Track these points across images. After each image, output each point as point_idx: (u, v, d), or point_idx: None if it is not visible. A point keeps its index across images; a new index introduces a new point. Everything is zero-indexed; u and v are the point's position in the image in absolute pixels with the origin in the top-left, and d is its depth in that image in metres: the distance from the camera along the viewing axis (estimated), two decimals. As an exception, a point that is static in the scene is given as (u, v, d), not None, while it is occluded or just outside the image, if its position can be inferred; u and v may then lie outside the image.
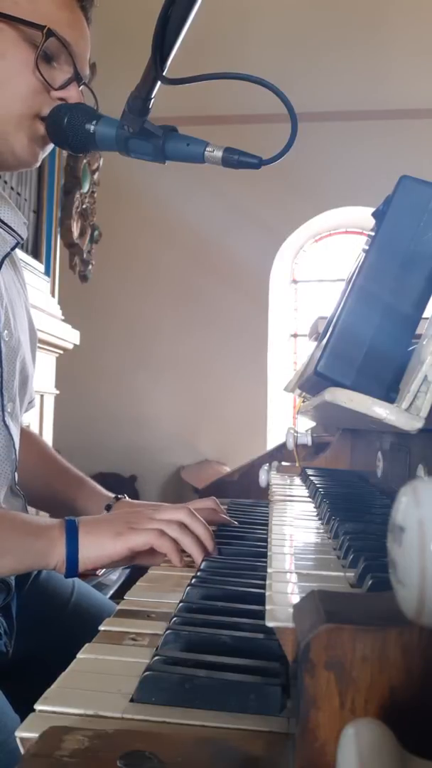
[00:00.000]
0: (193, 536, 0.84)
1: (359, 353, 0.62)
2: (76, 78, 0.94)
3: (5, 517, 0.85)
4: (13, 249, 1.01)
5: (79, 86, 0.95)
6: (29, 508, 1.08)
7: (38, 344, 2.42)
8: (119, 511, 1.02)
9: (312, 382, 0.97)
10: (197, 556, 0.83)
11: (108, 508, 1.07)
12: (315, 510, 0.94)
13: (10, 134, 0.93)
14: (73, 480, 1.15)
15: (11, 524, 0.84)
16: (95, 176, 3.36)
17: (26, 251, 2.44)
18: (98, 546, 0.81)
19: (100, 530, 0.82)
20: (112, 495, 1.11)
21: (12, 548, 0.81)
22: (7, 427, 0.97)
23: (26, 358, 1.06)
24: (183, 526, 0.84)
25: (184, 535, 0.83)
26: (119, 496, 1.10)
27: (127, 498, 1.10)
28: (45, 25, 0.89)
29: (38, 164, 1.00)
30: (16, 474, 1.00)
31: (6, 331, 0.98)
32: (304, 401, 1.53)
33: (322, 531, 0.78)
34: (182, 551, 0.84)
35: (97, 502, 1.10)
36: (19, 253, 2.33)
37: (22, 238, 1.03)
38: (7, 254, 1.00)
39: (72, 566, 0.80)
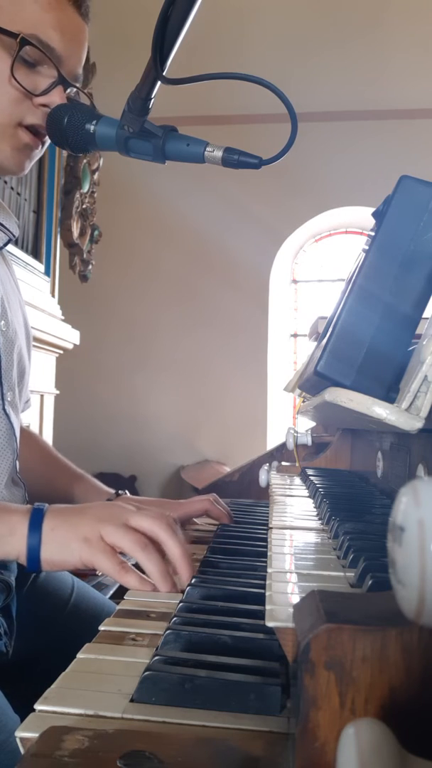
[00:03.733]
0: (160, 563, 0.73)
1: (359, 353, 0.62)
2: (61, 82, 0.92)
3: None
4: (5, 245, 1.02)
5: (65, 89, 0.93)
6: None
7: (38, 344, 2.43)
8: (95, 503, 0.94)
9: (312, 382, 0.97)
10: (161, 586, 0.73)
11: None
12: (315, 510, 0.94)
13: None
14: (73, 477, 1.15)
15: None
16: (95, 176, 3.36)
17: (26, 251, 2.45)
18: (63, 549, 0.73)
19: (66, 530, 0.74)
20: (113, 491, 1.11)
21: None
22: (7, 415, 0.97)
23: (23, 351, 1.06)
24: (151, 546, 0.74)
25: (151, 561, 0.73)
26: (119, 492, 1.10)
27: (128, 494, 1.10)
28: (20, 33, 0.87)
29: (25, 173, 0.99)
30: (17, 462, 1.00)
31: (3, 321, 0.99)
32: (304, 401, 1.53)
33: (322, 531, 0.78)
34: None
35: (96, 497, 1.10)
36: (20, 253, 2.34)
37: (14, 235, 1.03)
38: (0, 249, 1.01)
39: (33, 562, 0.74)
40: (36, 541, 0.74)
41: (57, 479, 1.15)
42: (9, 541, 0.74)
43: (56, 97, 0.92)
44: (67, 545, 0.73)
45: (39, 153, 0.98)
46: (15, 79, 0.89)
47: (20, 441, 1.09)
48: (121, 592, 0.74)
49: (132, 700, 0.47)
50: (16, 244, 2.33)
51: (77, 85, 0.98)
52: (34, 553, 0.74)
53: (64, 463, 1.19)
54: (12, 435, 0.98)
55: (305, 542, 0.74)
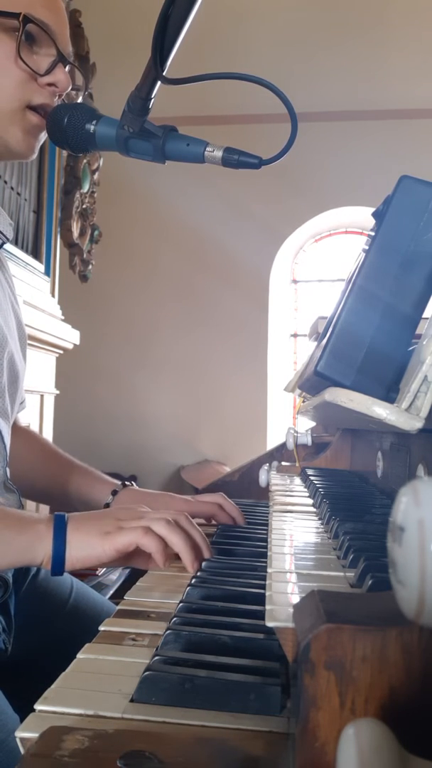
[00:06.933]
0: (183, 534, 0.79)
1: (359, 353, 0.62)
2: (61, 59, 0.93)
3: None
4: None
5: (65, 67, 0.94)
6: (30, 503, 1.08)
7: (38, 344, 2.43)
8: (113, 507, 1.01)
9: (312, 382, 0.97)
10: (186, 555, 0.79)
11: (114, 493, 1.08)
12: (315, 510, 0.94)
13: (2, 130, 0.92)
14: (77, 470, 1.15)
15: None
16: (95, 176, 3.36)
17: (26, 251, 2.44)
18: (86, 545, 0.77)
19: (89, 528, 0.79)
20: (118, 482, 1.11)
21: None
22: None
23: (15, 356, 1.05)
24: (172, 523, 0.79)
25: (172, 533, 0.78)
26: (126, 483, 1.10)
27: (134, 485, 1.10)
28: (20, 12, 0.87)
29: (35, 156, 0.99)
30: (7, 470, 1.00)
31: None
32: (304, 401, 1.53)
33: (322, 531, 0.78)
34: (174, 555, 0.79)
35: (102, 489, 1.09)
36: (20, 253, 2.34)
37: (7, 238, 1.02)
38: None
39: (58, 564, 0.77)
40: (61, 543, 0.77)
41: (60, 474, 1.15)
42: (36, 548, 0.77)
43: (61, 75, 0.93)
44: (89, 543, 0.77)
45: (44, 135, 0.98)
46: (22, 59, 0.89)
47: (20, 441, 1.08)
48: (121, 592, 0.75)
49: (132, 700, 0.47)
50: (15, 244, 2.33)
51: (73, 62, 0.99)
52: (59, 554, 0.77)
53: (65, 457, 1.18)
54: (1, 443, 0.98)
55: (305, 542, 0.74)
